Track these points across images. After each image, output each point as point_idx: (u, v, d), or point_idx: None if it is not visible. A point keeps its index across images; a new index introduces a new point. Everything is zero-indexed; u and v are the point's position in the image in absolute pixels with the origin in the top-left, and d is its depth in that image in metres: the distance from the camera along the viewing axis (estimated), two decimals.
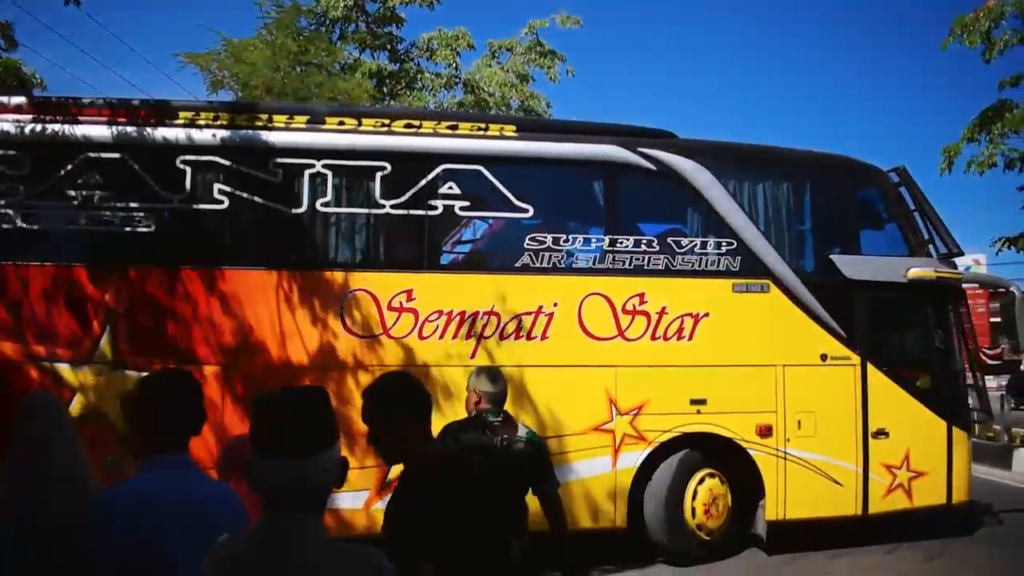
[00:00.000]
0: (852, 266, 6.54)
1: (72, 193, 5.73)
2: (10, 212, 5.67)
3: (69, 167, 5.74)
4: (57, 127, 5.77)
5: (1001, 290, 6.97)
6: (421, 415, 2.34)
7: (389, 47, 15.78)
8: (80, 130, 5.79)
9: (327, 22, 15.22)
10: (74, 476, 2.25)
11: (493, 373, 3.40)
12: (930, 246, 6.80)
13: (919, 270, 6.58)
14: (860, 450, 6.37)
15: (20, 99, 5.95)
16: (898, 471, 6.42)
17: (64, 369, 5.58)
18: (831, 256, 6.61)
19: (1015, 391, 16.00)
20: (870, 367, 6.45)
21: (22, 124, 5.73)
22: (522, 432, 3.31)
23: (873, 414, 6.40)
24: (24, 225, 5.69)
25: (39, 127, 5.75)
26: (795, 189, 6.77)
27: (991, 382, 12.93)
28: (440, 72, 15.79)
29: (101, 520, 1.88)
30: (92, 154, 5.77)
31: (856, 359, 6.45)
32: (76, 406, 5.51)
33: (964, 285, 6.94)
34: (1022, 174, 11.56)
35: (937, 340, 6.72)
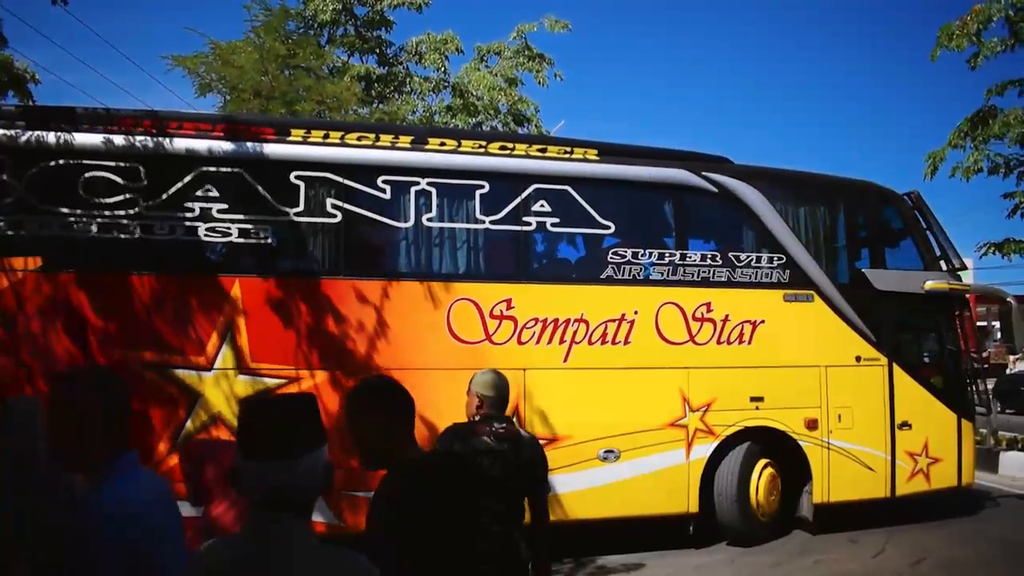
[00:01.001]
0: (879, 278, 7.61)
1: (190, 205, 6.07)
2: (130, 223, 5.95)
3: (186, 180, 6.07)
4: (175, 141, 6.09)
5: (1000, 301, 8.23)
6: (402, 418, 2.39)
7: (378, 51, 16.05)
8: (197, 144, 6.13)
9: (315, 25, 15.43)
10: (57, 478, 2.23)
11: (495, 377, 3.38)
12: (941, 261, 7.97)
13: (934, 282, 7.73)
14: (888, 440, 7.44)
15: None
16: (919, 458, 7.54)
17: (187, 376, 5.91)
18: (862, 270, 7.67)
19: (1002, 395, 15.83)
20: (895, 367, 7.54)
21: (141, 137, 6.03)
22: (526, 437, 3.36)
23: (898, 408, 7.48)
24: (144, 236, 5.98)
25: (158, 140, 6.06)
26: (831, 210, 7.81)
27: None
28: (429, 76, 16.17)
29: (110, 522, 1.85)
30: (209, 168, 6.12)
31: (884, 360, 7.51)
32: (200, 411, 5.88)
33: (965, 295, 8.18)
34: (1006, 180, 11.98)
35: (948, 343, 7.91)
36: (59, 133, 5.92)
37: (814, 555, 6.83)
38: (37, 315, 5.71)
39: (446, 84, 16.17)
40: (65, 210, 5.83)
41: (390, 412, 2.37)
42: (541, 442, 6.27)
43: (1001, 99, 11.82)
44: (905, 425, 7.50)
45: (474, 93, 15.89)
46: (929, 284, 7.72)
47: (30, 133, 5.86)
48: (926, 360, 8.04)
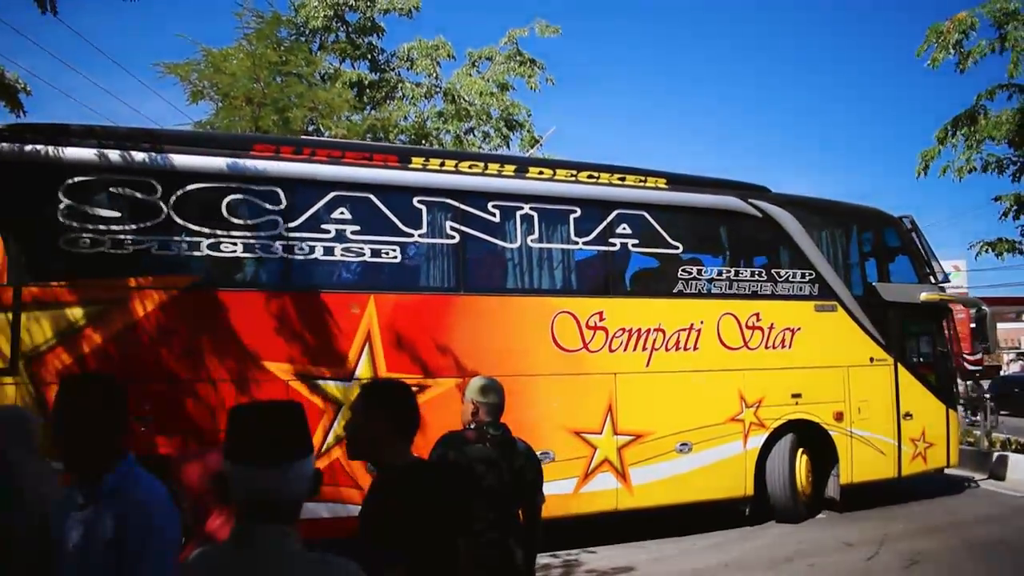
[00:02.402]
0: (886, 291, 9.06)
1: (326, 227, 6.65)
2: (272, 244, 6.49)
3: (322, 203, 6.66)
4: (311, 167, 6.66)
5: (977, 308, 9.88)
6: (405, 423, 2.50)
7: (369, 57, 16.35)
8: (330, 170, 6.73)
9: (307, 32, 15.60)
10: (36, 490, 2.30)
11: (491, 384, 3.42)
12: (930, 276, 9.52)
13: (927, 294, 9.27)
14: (896, 428, 8.90)
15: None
16: (919, 443, 9.04)
17: (330, 386, 6.52)
18: (872, 283, 9.09)
19: (996, 397, 15.83)
20: (899, 366, 9.01)
21: (280, 162, 6.57)
22: (521, 446, 3.39)
23: (902, 401, 8.96)
24: (286, 255, 6.53)
25: (295, 166, 6.62)
26: (846, 232, 9.21)
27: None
28: (420, 82, 16.45)
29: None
30: (342, 192, 6.73)
31: (891, 360, 8.97)
32: (343, 419, 6.49)
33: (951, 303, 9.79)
34: (1001, 178, 12.49)
35: (939, 345, 9.48)
36: (200, 157, 6.38)
37: (809, 558, 7.14)
38: (192, 330, 6.17)
39: (437, 90, 16.46)
40: (210, 231, 6.30)
41: (395, 416, 2.49)
42: (629, 438, 7.39)
43: (991, 102, 12.31)
44: (908, 415, 8.98)
45: (465, 98, 16.17)
46: (924, 295, 9.25)
47: (176, 157, 6.29)
48: (921, 360, 9.55)
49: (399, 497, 2.32)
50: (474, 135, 16.29)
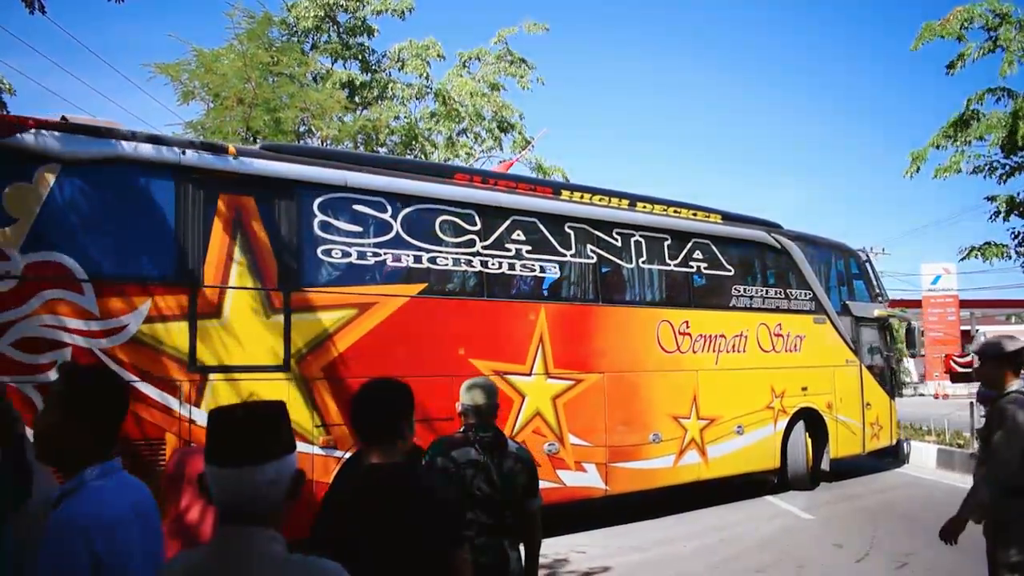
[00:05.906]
0: (855, 307, 12.42)
1: (509, 246, 8.49)
2: (472, 259, 8.21)
3: (505, 225, 8.50)
4: (496, 195, 8.48)
5: (907, 322, 13.58)
6: (371, 424, 2.60)
7: (360, 57, 17.43)
8: (510, 199, 8.59)
9: (298, 32, 16.54)
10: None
11: (479, 386, 3.49)
12: (878, 297, 13.05)
13: (880, 310, 12.76)
14: (862, 414, 12.22)
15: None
16: (875, 426, 12.45)
17: (517, 380, 8.35)
18: (846, 302, 12.39)
19: (984, 400, 16.87)
20: (862, 367, 12.36)
21: (474, 189, 8.33)
22: (512, 447, 3.47)
23: (865, 394, 12.32)
24: (482, 269, 8.27)
25: (485, 193, 8.40)
26: (827, 261, 12.45)
27: (963, 390, 15.27)
28: (411, 82, 17.67)
29: (79, 532, 1.96)
30: (518, 217, 8.60)
31: (858, 362, 12.29)
32: (527, 408, 8.34)
33: (908, 311, 13.41)
34: (986, 180, 13.47)
35: (885, 350, 13.01)
36: (419, 182, 8.00)
37: (798, 560, 7.59)
38: (420, 331, 7.75)
39: (428, 90, 17.74)
40: (429, 246, 7.93)
41: (353, 420, 2.62)
42: (706, 422, 9.92)
43: (979, 105, 13.31)
44: (868, 405, 12.36)
45: (457, 99, 17.49)
46: (877, 311, 12.74)
47: (401, 180, 7.86)
48: (874, 361, 13.02)
49: (383, 496, 2.43)
50: (466, 136, 17.65)
